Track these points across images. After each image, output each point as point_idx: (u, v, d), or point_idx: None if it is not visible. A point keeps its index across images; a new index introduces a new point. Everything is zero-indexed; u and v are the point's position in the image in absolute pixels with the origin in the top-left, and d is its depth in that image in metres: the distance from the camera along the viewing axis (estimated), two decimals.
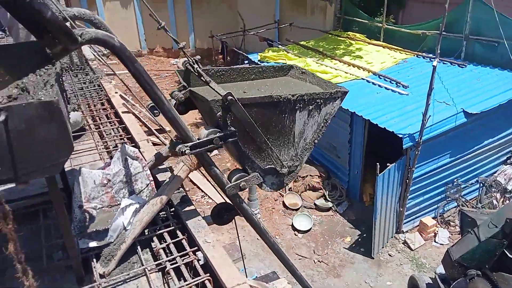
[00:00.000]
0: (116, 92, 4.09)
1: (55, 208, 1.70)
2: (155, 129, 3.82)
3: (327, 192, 7.68)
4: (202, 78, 2.10)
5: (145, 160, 2.53)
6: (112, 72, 4.93)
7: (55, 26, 1.34)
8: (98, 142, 3.32)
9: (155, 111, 2.00)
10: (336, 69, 8.11)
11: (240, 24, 12.56)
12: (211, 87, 2.01)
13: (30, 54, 1.80)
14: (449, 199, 6.96)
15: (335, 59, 8.64)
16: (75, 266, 1.94)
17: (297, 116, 2.20)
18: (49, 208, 2.49)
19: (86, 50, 5.54)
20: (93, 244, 2.12)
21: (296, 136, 2.26)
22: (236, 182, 2.14)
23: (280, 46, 10.31)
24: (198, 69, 2.12)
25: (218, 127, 1.99)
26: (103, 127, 3.56)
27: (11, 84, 1.56)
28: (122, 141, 3.36)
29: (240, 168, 2.25)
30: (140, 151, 2.79)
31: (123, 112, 3.67)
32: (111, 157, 3.24)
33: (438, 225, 6.88)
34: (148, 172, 2.44)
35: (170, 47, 14.40)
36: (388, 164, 5.87)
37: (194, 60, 2.16)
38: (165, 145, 3.58)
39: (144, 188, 2.43)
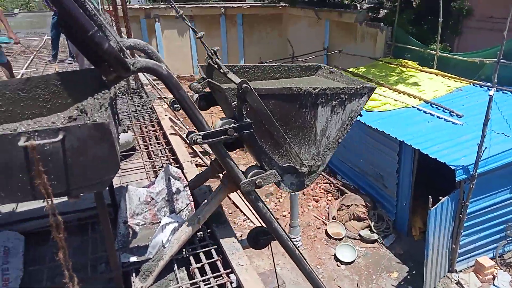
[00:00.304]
0: (166, 115, 4.33)
1: (101, 222, 1.82)
2: (199, 151, 3.97)
3: (372, 223, 7.37)
4: (220, 69, 2.02)
5: (187, 180, 2.63)
6: (163, 96, 5.24)
7: (111, 57, 1.49)
8: (146, 161, 3.51)
9: (175, 106, 1.96)
10: (385, 97, 7.94)
11: (289, 51, 12.81)
12: (227, 77, 1.95)
13: (91, 80, 2.01)
14: (510, 239, 6.37)
15: (385, 86, 8.48)
16: (116, 279, 2.04)
17: (319, 111, 2.09)
18: (98, 222, 2.65)
19: (142, 75, 5.95)
20: (133, 259, 2.22)
21: (318, 133, 2.14)
22: (252, 178, 2.04)
23: None
24: (217, 59, 2.05)
25: (234, 119, 1.93)
26: (151, 147, 3.77)
27: (73, 106, 1.75)
28: (168, 162, 3.53)
29: (257, 165, 2.17)
30: (183, 172, 2.92)
31: (170, 134, 3.87)
32: (156, 177, 3.41)
33: (498, 267, 6.29)
34: (189, 192, 2.54)
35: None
36: (440, 198, 5.55)
37: (212, 51, 2.07)
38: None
39: (184, 208, 2.53)
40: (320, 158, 2.22)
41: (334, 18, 12.58)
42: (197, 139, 1.85)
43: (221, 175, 2.46)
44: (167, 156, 3.57)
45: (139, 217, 2.57)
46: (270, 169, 2.09)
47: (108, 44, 1.46)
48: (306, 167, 2.14)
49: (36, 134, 1.42)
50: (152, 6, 14.41)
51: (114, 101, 2.05)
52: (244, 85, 1.80)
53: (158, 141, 3.87)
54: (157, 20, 13.97)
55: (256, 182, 2.05)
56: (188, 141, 1.94)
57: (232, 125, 1.90)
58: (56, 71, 7.12)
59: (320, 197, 8.66)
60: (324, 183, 8.98)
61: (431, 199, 5.27)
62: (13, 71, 5.92)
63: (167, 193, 2.57)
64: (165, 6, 13.87)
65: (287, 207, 7.87)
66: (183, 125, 4.29)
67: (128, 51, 1.87)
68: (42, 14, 15.15)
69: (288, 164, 2.11)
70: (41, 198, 1.53)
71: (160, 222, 2.54)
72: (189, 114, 1.82)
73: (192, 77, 14.86)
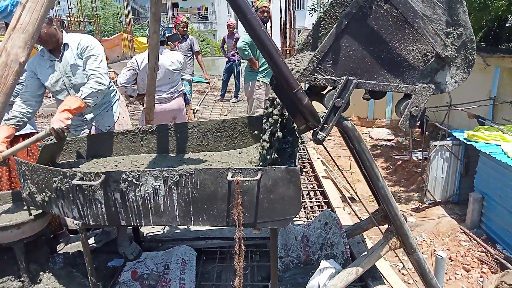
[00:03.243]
0: (318, 158, 4.48)
1: (271, 254, 1.98)
2: (348, 196, 3.95)
3: None
4: None
5: (343, 228, 2.65)
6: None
7: (307, 110, 1.68)
8: None
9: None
10: None
11: (446, 98, 11.79)
12: None
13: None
14: None
15: None
16: None
17: None
18: (254, 251, 2.87)
19: None
20: None
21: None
22: (406, 112, 1.76)
23: (494, 125, 9.08)
24: None
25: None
26: (303, 188, 3.94)
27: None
28: (319, 204, 3.62)
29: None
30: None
31: (323, 177, 3.97)
32: (307, 218, 3.53)
33: None
34: (346, 240, 2.54)
35: (365, 116, 14.74)
36: None
37: None
38: (358, 217, 3.64)
39: (339, 255, 2.53)
40: (456, 23, 1.70)
41: (507, 65, 11.12)
42: (319, 137, 1.72)
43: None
44: (317, 198, 3.67)
45: (293, 254, 2.68)
46: (413, 88, 1.75)
47: (307, 100, 1.66)
48: (450, 46, 1.70)
49: (240, 171, 1.68)
50: None
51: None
52: None
53: (309, 182, 4.02)
54: None
55: (412, 111, 1.75)
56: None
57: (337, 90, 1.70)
58: (222, 107, 8.19)
59: (472, 267, 7.43)
60: (478, 250, 7.71)
61: None
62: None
63: (324, 238, 2.63)
64: None
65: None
66: (335, 170, 4.36)
67: None
68: (211, 59, 17.78)
69: (429, 57, 1.71)
70: (232, 226, 1.77)
71: (313, 264, 2.61)
72: (366, 166, 1.87)
73: None
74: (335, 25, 1.70)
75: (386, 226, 2.27)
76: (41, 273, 2.34)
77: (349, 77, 1.71)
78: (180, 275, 2.55)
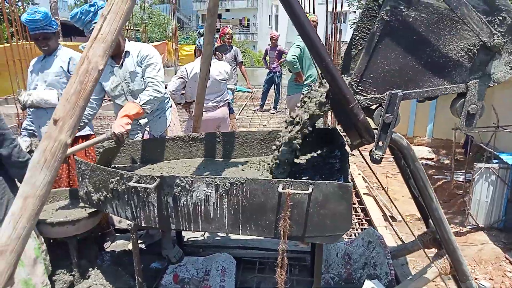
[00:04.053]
0: (359, 174, 4.39)
1: (315, 270, 1.95)
2: (389, 215, 3.83)
3: None
4: None
5: (388, 248, 2.57)
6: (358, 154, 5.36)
7: (363, 126, 1.66)
8: None
9: None
10: None
11: (492, 118, 11.21)
12: None
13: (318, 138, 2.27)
14: None
15: None
16: None
17: None
18: (293, 264, 2.84)
19: None
20: None
21: None
22: (463, 112, 1.68)
23: None
24: None
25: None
26: None
27: None
28: (360, 222, 3.54)
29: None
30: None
31: (364, 194, 3.89)
32: (347, 234, 3.45)
33: None
34: (391, 261, 2.46)
35: (405, 134, 14.27)
36: None
37: None
38: (399, 237, 3.52)
39: (383, 276, 2.45)
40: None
41: None
42: (376, 156, 1.70)
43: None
44: (358, 215, 3.58)
45: (334, 271, 2.63)
46: (466, 85, 1.67)
47: (363, 116, 1.64)
48: (495, 35, 1.59)
49: (291, 184, 1.68)
50: None
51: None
52: None
53: None
54: None
55: (469, 110, 1.68)
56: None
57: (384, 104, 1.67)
58: (261, 118, 8.26)
59: None
60: None
61: None
62: None
63: (366, 257, 2.56)
64: None
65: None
66: (377, 187, 4.25)
67: None
68: (251, 69, 18.01)
69: (475, 50, 1.63)
70: (278, 238, 1.77)
71: (354, 283, 2.54)
72: (420, 186, 1.81)
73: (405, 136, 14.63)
74: (365, 45, 1.70)
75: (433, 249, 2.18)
76: (89, 269, 2.45)
77: (392, 91, 1.69)
78: (220, 283, 2.57)
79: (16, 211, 1.24)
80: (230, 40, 6.43)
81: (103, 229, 2.92)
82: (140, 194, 1.86)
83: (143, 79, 2.60)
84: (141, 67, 2.60)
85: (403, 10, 1.63)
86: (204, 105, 3.84)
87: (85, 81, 1.21)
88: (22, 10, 8.55)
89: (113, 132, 2.20)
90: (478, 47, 1.65)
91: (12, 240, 1.23)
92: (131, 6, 1.29)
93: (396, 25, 1.65)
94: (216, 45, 4.36)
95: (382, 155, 1.68)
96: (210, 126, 3.85)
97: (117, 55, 2.61)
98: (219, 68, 3.92)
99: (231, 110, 4.67)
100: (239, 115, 8.32)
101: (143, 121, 2.78)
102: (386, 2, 1.63)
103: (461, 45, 1.66)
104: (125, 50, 2.62)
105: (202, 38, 3.93)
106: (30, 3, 14.63)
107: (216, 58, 4.22)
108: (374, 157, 1.69)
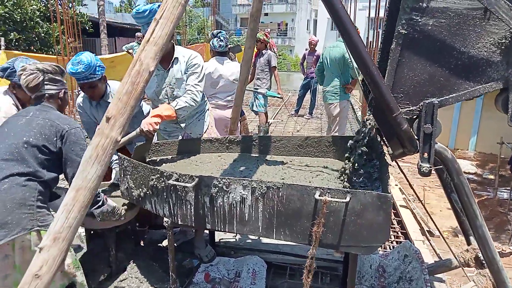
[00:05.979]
0: (396, 185, 4.27)
1: (348, 281, 1.92)
2: (427, 230, 3.69)
3: None
4: None
5: (425, 263, 2.48)
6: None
7: (406, 136, 1.62)
8: None
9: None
10: None
11: None
12: None
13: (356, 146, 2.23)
14: None
15: None
16: None
17: None
18: (325, 273, 2.80)
19: None
20: None
21: None
22: (509, 108, 1.61)
23: None
24: None
25: None
26: None
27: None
28: (395, 234, 3.44)
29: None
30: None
31: (400, 206, 3.77)
32: (381, 247, 3.36)
33: None
34: (427, 277, 2.37)
35: (446, 145, 13.68)
36: None
37: None
38: (436, 253, 3.37)
39: None
40: None
41: None
42: (423, 168, 1.67)
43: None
44: (394, 228, 3.48)
45: (366, 283, 2.57)
46: (506, 79, 1.61)
47: (407, 125, 1.60)
48: None
49: (328, 192, 1.67)
50: None
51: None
52: None
53: None
54: None
55: None
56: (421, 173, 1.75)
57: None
58: (296, 123, 8.23)
59: None
60: None
61: None
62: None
63: (401, 271, 2.48)
64: None
65: None
66: (414, 200, 4.11)
67: None
68: (287, 74, 18.01)
69: (506, 45, 1.58)
70: (311, 245, 1.75)
71: None
72: (464, 201, 1.74)
73: None
74: (389, 62, 1.67)
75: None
76: (126, 262, 2.54)
77: (427, 101, 1.65)
78: (250, 285, 2.58)
79: (69, 201, 1.32)
80: (266, 44, 6.33)
81: (142, 225, 3.01)
82: (179, 192, 1.92)
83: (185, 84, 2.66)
84: (187, 74, 2.66)
85: (419, 20, 1.61)
86: (215, 102, 3.95)
87: (136, 81, 1.27)
88: (73, 11, 9.04)
89: (141, 128, 2.28)
90: (510, 38, 1.58)
91: (64, 229, 1.31)
92: (181, 12, 1.34)
93: (416, 35, 1.63)
94: (229, 46, 4.47)
95: (430, 167, 1.63)
96: (218, 125, 3.80)
97: (165, 59, 2.66)
98: (232, 68, 4.03)
99: (241, 112, 4.72)
100: (273, 119, 8.33)
101: (183, 124, 2.85)
102: (400, 16, 1.62)
103: (490, 41, 1.61)
104: (174, 56, 2.67)
105: (215, 39, 4.03)
106: (80, 4, 15.42)
107: (230, 59, 4.28)
108: (422, 170, 1.65)
